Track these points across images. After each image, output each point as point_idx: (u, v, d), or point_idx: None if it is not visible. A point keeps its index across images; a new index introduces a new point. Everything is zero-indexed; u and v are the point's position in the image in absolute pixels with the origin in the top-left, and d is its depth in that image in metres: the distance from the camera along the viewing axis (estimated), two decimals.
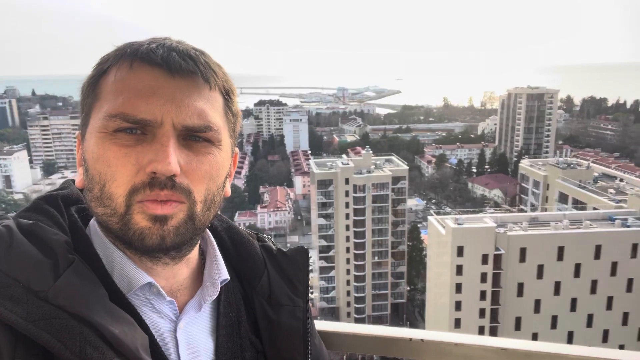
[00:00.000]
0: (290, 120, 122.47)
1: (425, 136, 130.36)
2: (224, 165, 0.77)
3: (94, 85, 0.73)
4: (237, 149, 0.84)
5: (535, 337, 35.18)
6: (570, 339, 35.53)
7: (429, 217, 42.84)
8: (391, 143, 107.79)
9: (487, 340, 1.20)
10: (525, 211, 52.70)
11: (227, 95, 0.78)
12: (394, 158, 63.62)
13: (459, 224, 36.63)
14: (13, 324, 0.60)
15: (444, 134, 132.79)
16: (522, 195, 64.27)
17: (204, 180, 0.72)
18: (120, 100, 0.68)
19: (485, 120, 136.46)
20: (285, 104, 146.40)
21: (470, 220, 38.03)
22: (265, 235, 1.00)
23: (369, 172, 56.24)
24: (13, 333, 0.61)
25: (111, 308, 0.66)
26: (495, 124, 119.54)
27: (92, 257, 0.72)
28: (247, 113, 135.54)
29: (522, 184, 64.17)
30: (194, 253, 0.83)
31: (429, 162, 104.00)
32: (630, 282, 36.20)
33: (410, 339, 1.21)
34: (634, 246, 35.66)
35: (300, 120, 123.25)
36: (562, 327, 35.70)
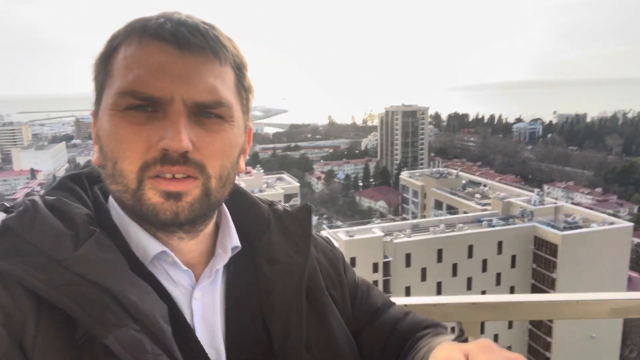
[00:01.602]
0: None
1: (314, 153, 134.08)
2: (237, 142, 0.76)
3: (105, 62, 0.73)
4: (251, 125, 0.83)
5: None
6: None
7: (322, 232, 43.92)
8: (281, 161, 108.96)
9: (460, 299, 1.46)
10: (408, 219, 56.68)
11: (239, 70, 0.76)
12: (285, 176, 64.35)
13: (350, 236, 38.18)
14: (37, 289, 0.63)
15: (331, 151, 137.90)
16: (404, 205, 69.13)
17: (218, 156, 0.72)
18: (131, 77, 0.68)
19: (368, 136, 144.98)
20: None
21: (360, 232, 39.85)
22: (282, 203, 0.96)
23: (261, 191, 56.06)
24: (37, 299, 0.63)
25: (130, 277, 0.68)
26: (376, 140, 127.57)
27: (111, 230, 0.74)
28: None
29: (403, 194, 69.11)
30: (210, 227, 0.81)
31: (319, 178, 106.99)
32: (498, 276, 40.77)
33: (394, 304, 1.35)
34: (499, 244, 40.35)
35: None
36: None
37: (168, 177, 0.68)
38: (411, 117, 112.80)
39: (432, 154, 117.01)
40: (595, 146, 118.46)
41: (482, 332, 1.48)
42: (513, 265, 41.14)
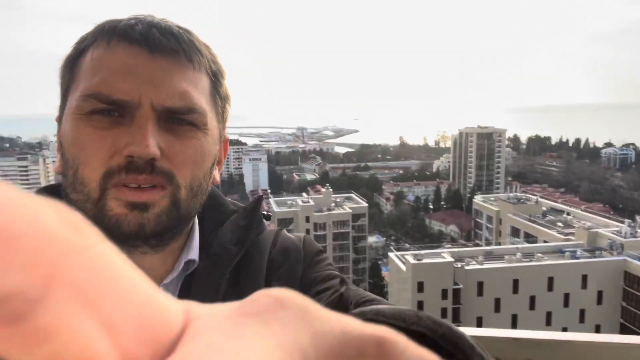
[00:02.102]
0: (250, 160, 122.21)
1: (383, 174, 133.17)
2: (210, 151, 0.71)
3: (71, 65, 0.69)
4: (227, 135, 0.79)
5: None
6: None
7: (390, 254, 43.23)
8: (350, 181, 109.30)
9: (500, 332, 1.31)
10: (481, 245, 54.16)
11: (215, 77, 0.72)
12: (353, 195, 64.38)
13: (418, 260, 37.13)
14: None
15: (401, 172, 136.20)
16: (477, 230, 66.19)
17: (189, 165, 0.67)
18: (96, 79, 0.64)
19: (440, 158, 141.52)
20: (245, 143, 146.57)
21: (429, 256, 38.65)
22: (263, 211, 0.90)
23: (329, 209, 56.49)
24: None
25: None
26: (448, 162, 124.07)
27: None
28: None
29: (476, 219, 66.24)
30: (180, 242, 0.76)
31: (388, 199, 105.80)
32: (582, 312, 37.52)
33: None
34: (584, 277, 37.23)
35: (260, 159, 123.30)
36: None
37: (133, 187, 0.64)
38: (487, 139, 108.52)
39: (509, 178, 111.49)
40: None
41: None
42: (599, 301, 37.73)
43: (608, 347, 1.28)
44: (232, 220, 0.83)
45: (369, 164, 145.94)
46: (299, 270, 0.85)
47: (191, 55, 0.68)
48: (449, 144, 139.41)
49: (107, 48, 0.66)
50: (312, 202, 57.08)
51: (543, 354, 1.30)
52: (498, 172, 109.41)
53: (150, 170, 0.64)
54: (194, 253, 0.76)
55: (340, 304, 0.70)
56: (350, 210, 57.23)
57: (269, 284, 0.81)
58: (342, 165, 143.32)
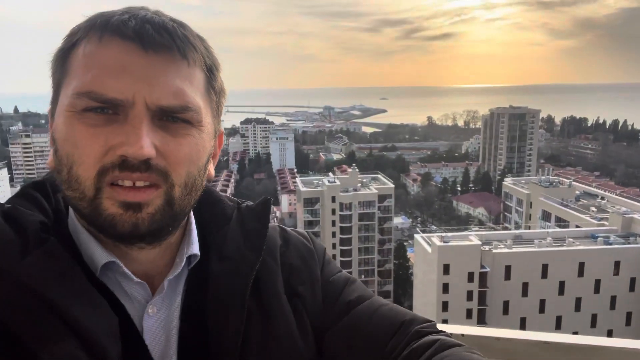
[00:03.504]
0: (277, 139, 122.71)
1: (411, 155, 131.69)
2: (205, 147, 0.71)
3: (62, 59, 0.68)
4: (222, 129, 0.78)
5: None
6: None
7: (415, 235, 43.02)
8: (377, 161, 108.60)
9: (529, 335, 1.23)
10: (510, 229, 53.27)
11: (210, 72, 0.71)
12: (380, 176, 64.02)
13: (445, 242, 36.82)
14: None
15: (428, 153, 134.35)
16: (506, 213, 64.99)
17: (184, 163, 0.67)
18: (89, 77, 0.63)
19: (469, 139, 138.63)
20: (272, 122, 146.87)
21: (455, 238, 38.27)
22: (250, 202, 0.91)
23: (355, 190, 56.42)
24: None
25: (79, 289, 0.64)
26: (478, 143, 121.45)
27: (65, 239, 0.70)
28: (233, 131, 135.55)
29: (506, 202, 64.95)
30: (176, 236, 0.76)
31: (415, 180, 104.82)
32: (613, 299, 36.62)
33: (451, 334, 1.15)
34: (617, 263, 36.21)
35: (287, 138, 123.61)
36: None
37: (127, 185, 0.64)
38: (519, 119, 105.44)
39: (542, 161, 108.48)
40: None
41: None
42: (632, 288, 36.69)
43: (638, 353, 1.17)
44: (238, 220, 0.83)
45: (396, 144, 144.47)
46: (318, 272, 0.88)
47: (185, 51, 0.67)
48: (479, 124, 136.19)
49: (100, 43, 0.65)
50: (338, 182, 57.07)
51: (573, 359, 1.20)
52: (530, 154, 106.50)
53: (145, 169, 0.64)
54: (194, 248, 0.77)
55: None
56: (376, 191, 57.00)
57: (291, 287, 0.84)
58: (368, 145, 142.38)
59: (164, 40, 0.65)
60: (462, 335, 1.20)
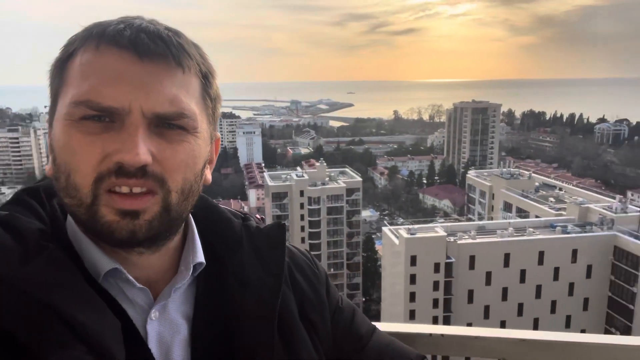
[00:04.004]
0: (244, 133, 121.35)
1: (378, 148, 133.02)
2: (201, 153, 0.72)
3: (60, 68, 0.69)
4: (218, 135, 0.80)
5: None
6: None
7: (383, 228, 43.53)
8: (345, 155, 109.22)
9: (507, 333, 1.25)
10: (473, 220, 54.63)
11: (205, 78, 0.73)
12: (347, 170, 64.34)
13: (411, 234, 37.44)
14: None
15: (395, 146, 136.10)
16: (470, 205, 66.68)
17: (180, 169, 0.68)
18: (86, 86, 0.65)
19: (434, 133, 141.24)
20: (238, 117, 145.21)
21: (422, 230, 38.96)
22: (256, 215, 0.94)
23: (323, 184, 56.51)
24: None
25: (82, 295, 0.64)
26: (443, 137, 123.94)
27: (66, 245, 0.70)
28: None
29: (470, 194, 66.61)
30: (175, 242, 0.77)
31: (382, 174, 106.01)
32: (571, 286, 38.25)
33: (431, 335, 1.21)
34: (574, 252, 37.78)
35: (254, 132, 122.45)
36: None
37: (124, 192, 0.65)
38: (481, 114, 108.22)
39: (503, 154, 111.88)
40: None
41: None
42: (588, 275, 38.43)
43: (619, 349, 1.19)
44: (251, 243, 0.84)
45: (363, 138, 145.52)
46: (325, 298, 0.91)
47: (180, 59, 0.68)
48: (443, 118, 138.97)
49: (96, 53, 0.66)
50: (306, 177, 57.02)
51: (551, 355, 1.23)
52: (492, 147, 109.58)
53: (142, 175, 0.64)
54: (200, 256, 0.78)
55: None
56: (344, 185, 57.28)
57: (304, 313, 0.85)
58: (336, 139, 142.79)
59: (159, 48, 0.66)
60: (442, 335, 1.22)
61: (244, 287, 0.79)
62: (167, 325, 0.73)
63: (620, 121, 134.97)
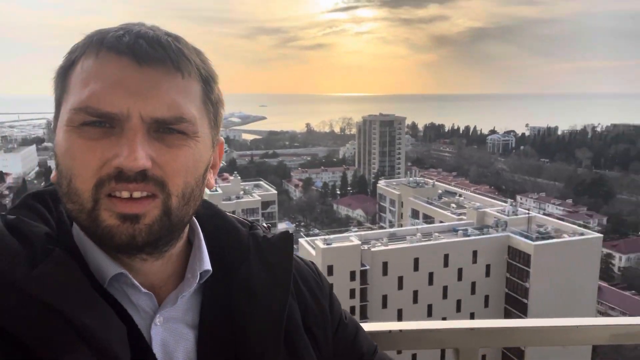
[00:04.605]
0: None
1: (292, 161, 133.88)
2: (202, 157, 0.72)
3: (63, 76, 0.71)
4: (221, 139, 0.80)
5: None
6: None
7: (300, 240, 43.78)
8: (259, 168, 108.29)
9: (458, 324, 1.37)
10: (385, 228, 56.98)
11: (206, 83, 0.73)
12: (262, 183, 63.97)
13: (328, 244, 38.09)
14: None
15: (308, 158, 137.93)
16: (381, 213, 69.54)
17: (181, 173, 0.68)
18: (86, 92, 0.66)
19: (345, 144, 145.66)
20: None
21: (337, 240, 39.81)
22: (263, 223, 0.94)
23: (238, 197, 55.57)
24: None
25: (88, 299, 0.65)
26: (354, 148, 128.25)
27: (72, 250, 0.71)
28: None
29: (380, 203, 69.53)
30: (179, 248, 0.78)
31: (296, 185, 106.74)
32: (473, 285, 41.27)
33: (390, 331, 1.28)
34: (474, 253, 40.89)
35: None
36: None
37: (125, 197, 0.65)
38: (388, 126, 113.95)
39: (409, 164, 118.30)
40: (565, 159, 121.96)
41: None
42: (487, 274, 41.72)
43: (553, 330, 1.40)
44: (258, 253, 0.84)
45: (277, 150, 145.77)
46: (328, 311, 0.91)
47: (179, 64, 0.68)
48: (354, 131, 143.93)
49: (96, 60, 0.67)
50: (220, 191, 55.70)
51: (497, 340, 1.38)
52: (399, 158, 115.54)
53: (142, 179, 0.65)
54: (206, 264, 0.78)
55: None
56: (259, 198, 56.84)
57: (307, 325, 0.86)
58: (249, 152, 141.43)
59: (158, 54, 0.67)
60: (401, 331, 1.28)
61: (251, 297, 0.79)
62: (171, 332, 0.74)
63: (508, 132, 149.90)
